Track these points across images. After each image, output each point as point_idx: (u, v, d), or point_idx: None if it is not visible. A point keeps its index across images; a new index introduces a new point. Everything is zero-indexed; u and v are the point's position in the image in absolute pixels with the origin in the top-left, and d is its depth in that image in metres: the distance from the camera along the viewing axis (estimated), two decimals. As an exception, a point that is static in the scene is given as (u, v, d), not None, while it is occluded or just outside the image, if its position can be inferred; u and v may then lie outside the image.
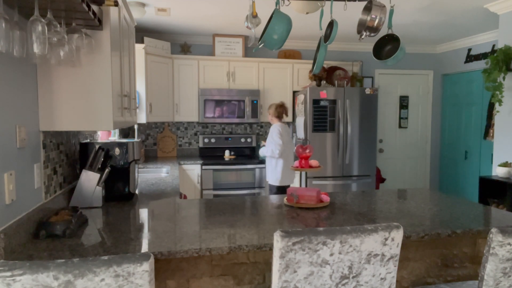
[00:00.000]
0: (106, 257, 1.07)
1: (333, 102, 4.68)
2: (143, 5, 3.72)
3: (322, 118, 4.66)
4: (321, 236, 1.25)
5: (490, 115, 4.59)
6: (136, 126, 4.51)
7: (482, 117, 4.99)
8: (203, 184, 4.57)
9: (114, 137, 3.67)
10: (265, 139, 5.30)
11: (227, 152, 4.95)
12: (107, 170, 2.26)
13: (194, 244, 1.56)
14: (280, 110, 4.03)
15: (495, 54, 3.48)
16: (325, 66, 5.05)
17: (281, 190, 4.00)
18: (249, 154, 5.21)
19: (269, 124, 5.42)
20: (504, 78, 3.45)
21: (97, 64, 1.91)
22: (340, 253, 1.27)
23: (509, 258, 1.39)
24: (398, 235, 1.32)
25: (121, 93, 2.21)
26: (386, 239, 1.30)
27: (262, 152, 4.09)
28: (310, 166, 2.41)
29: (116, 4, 1.79)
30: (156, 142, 5.10)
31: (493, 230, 1.39)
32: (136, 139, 3.30)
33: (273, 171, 4.01)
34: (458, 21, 4.34)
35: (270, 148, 3.94)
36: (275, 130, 3.95)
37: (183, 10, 3.94)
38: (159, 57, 4.55)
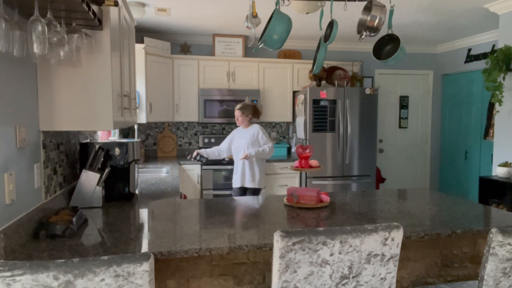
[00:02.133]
0: (106, 257, 1.07)
1: (333, 102, 4.68)
2: (143, 5, 3.72)
3: (322, 118, 4.66)
4: (321, 236, 1.25)
5: (490, 115, 4.59)
6: (136, 126, 4.51)
7: (482, 117, 4.99)
8: (203, 184, 4.57)
9: (114, 137, 3.67)
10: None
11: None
12: (107, 170, 2.26)
13: (194, 244, 1.56)
14: (257, 109, 3.94)
15: (495, 54, 3.48)
16: (325, 66, 5.05)
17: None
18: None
19: (269, 124, 5.42)
20: (504, 78, 3.45)
21: (97, 64, 1.91)
22: (340, 253, 1.27)
23: (509, 258, 1.39)
24: (398, 235, 1.32)
25: (121, 93, 2.21)
26: (386, 239, 1.30)
27: (267, 153, 3.79)
28: (310, 166, 2.41)
29: (116, 4, 1.79)
30: (156, 142, 5.10)
31: (493, 230, 1.39)
32: (136, 139, 3.30)
33: (262, 171, 3.90)
34: (458, 21, 4.34)
35: (271, 145, 3.79)
36: (262, 128, 3.86)
37: (183, 10, 3.94)
38: (159, 57, 4.55)
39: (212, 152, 3.94)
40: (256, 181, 3.85)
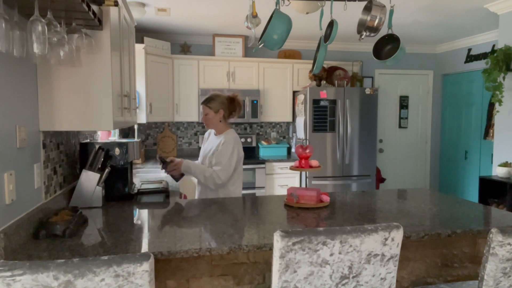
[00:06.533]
0: (106, 257, 1.07)
1: (333, 102, 4.68)
2: (143, 5, 3.72)
3: (322, 118, 4.66)
4: (321, 236, 1.25)
5: (490, 115, 4.59)
6: (136, 126, 4.51)
7: (482, 117, 4.99)
8: (203, 184, 4.56)
9: (114, 137, 3.66)
10: (266, 140, 5.30)
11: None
12: (107, 170, 2.26)
13: (194, 244, 1.55)
14: (234, 101, 2.70)
15: (495, 54, 3.48)
16: (325, 66, 5.05)
17: None
18: (249, 154, 5.21)
19: (269, 124, 5.41)
20: (504, 78, 3.45)
21: (97, 64, 1.91)
22: (340, 253, 1.27)
23: (509, 258, 1.39)
24: (398, 235, 1.32)
25: (121, 93, 2.21)
26: (386, 239, 1.30)
27: (207, 177, 2.54)
28: (310, 166, 2.40)
29: (116, 4, 1.79)
30: (156, 142, 5.10)
31: (493, 230, 1.39)
32: (136, 139, 3.30)
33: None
34: (458, 21, 4.34)
35: (218, 172, 2.54)
36: (233, 139, 2.64)
37: (183, 10, 3.94)
38: (159, 57, 4.54)
39: None
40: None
